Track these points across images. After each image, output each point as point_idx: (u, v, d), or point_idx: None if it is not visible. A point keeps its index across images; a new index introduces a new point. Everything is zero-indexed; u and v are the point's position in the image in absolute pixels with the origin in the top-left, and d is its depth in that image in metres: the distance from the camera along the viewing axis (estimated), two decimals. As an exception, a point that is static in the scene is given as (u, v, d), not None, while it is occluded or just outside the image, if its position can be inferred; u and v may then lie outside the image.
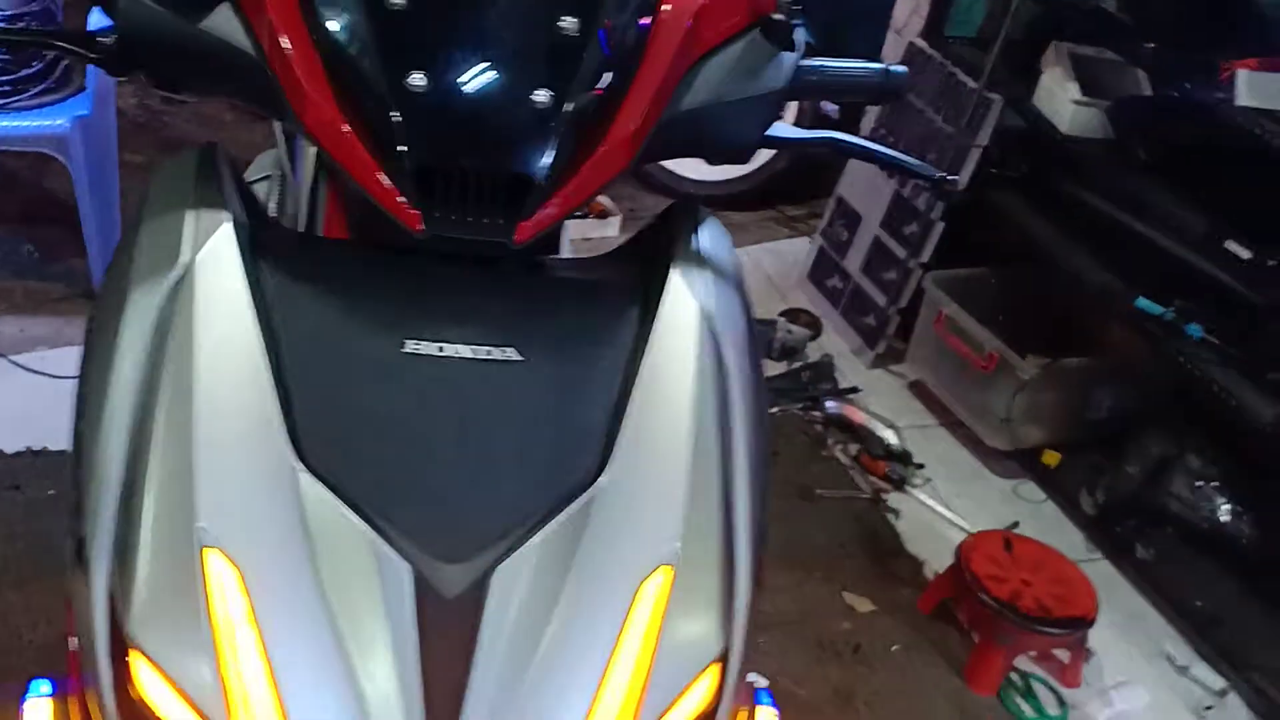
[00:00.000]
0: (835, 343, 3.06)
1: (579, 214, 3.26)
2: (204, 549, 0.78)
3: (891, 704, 2.09)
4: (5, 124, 2.37)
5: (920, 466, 2.66)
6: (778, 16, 1.00)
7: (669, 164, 3.52)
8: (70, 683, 0.89)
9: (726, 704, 0.92)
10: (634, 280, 0.98)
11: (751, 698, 1.06)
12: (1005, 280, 2.86)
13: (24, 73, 2.44)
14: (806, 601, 2.26)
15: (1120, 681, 2.20)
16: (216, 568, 0.78)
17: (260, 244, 0.91)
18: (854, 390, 2.87)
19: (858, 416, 2.74)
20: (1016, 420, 2.63)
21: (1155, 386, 2.59)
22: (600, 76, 0.92)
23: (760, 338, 2.90)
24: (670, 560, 0.86)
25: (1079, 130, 2.63)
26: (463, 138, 0.89)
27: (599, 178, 0.93)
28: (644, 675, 0.84)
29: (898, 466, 2.63)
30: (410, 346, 0.88)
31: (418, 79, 0.87)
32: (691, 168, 3.54)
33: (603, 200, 3.34)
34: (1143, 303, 2.43)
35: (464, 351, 0.89)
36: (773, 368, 2.88)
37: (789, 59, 1.03)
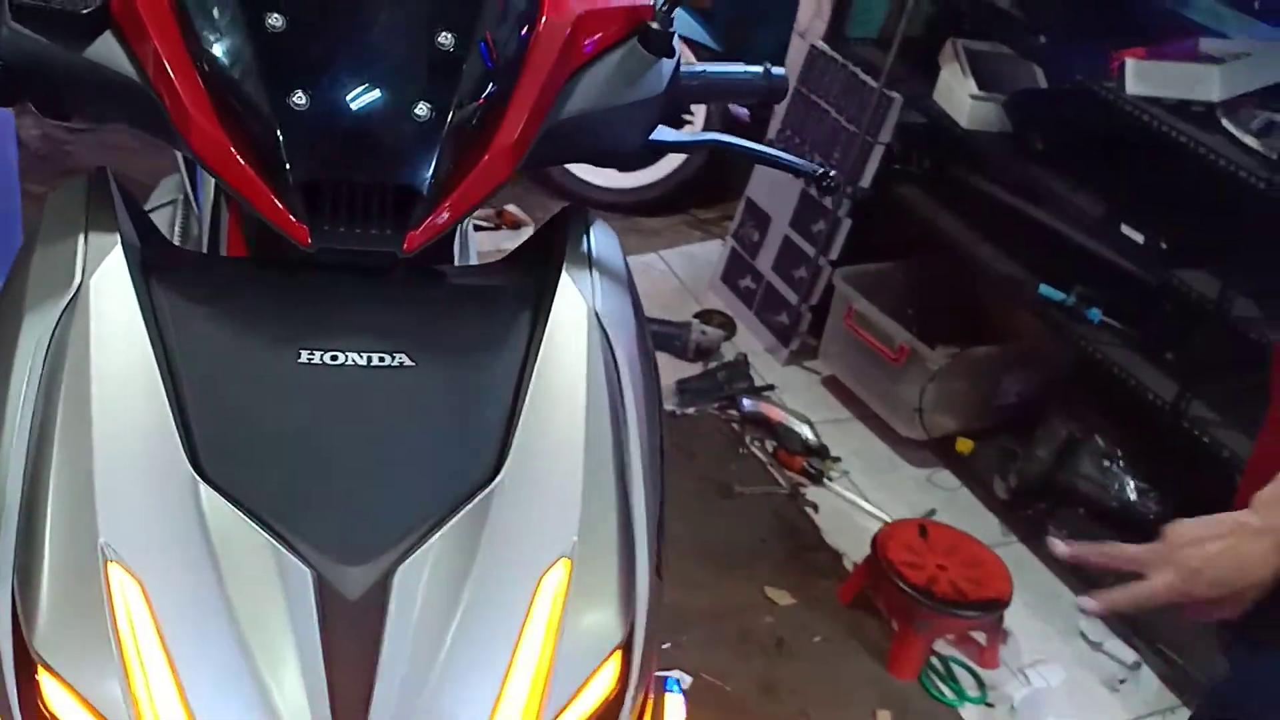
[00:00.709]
0: (750, 342, 3.08)
1: (491, 225, 3.25)
2: (107, 563, 0.78)
3: (815, 692, 2.10)
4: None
5: (837, 460, 2.69)
6: (655, 25, 1.03)
7: (579, 172, 3.52)
8: None
9: (632, 693, 0.91)
10: (526, 285, 1.00)
11: (661, 686, 1.06)
12: (913, 274, 2.90)
13: None
14: (728, 597, 2.27)
15: (1037, 660, 2.25)
16: (120, 582, 0.78)
17: (152, 265, 0.92)
18: (770, 388, 2.89)
19: (774, 414, 2.76)
20: (928, 410, 2.67)
21: (1061, 371, 2.65)
22: (480, 88, 0.94)
23: (669, 338, 2.92)
24: (568, 553, 0.87)
25: (977, 125, 2.68)
26: (346, 153, 0.91)
27: (484, 186, 0.95)
28: (547, 667, 0.84)
29: (814, 461, 2.65)
30: (305, 357, 0.89)
31: (299, 98, 0.89)
32: (601, 175, 3.55)
33: (514, 210, 3.33)
34: (1045, 289, 2.49)
35: (358, 360, 0.89)
36: (688, 369, 2.89)
37: (667, 65, 1.07)
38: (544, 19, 0.99)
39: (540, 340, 0.95)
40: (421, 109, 0.91)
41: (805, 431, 2.71)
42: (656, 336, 2.91)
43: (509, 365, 0.94)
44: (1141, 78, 2.29)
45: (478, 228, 3.22)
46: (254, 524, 0.81)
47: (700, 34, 3.38)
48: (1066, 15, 2.49)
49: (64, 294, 0.88)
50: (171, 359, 0.87)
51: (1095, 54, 2.41)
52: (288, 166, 0.89)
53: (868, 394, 2.84)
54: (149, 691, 0.76)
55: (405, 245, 0.92)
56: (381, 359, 0.90)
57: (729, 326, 3.04)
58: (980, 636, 2.23)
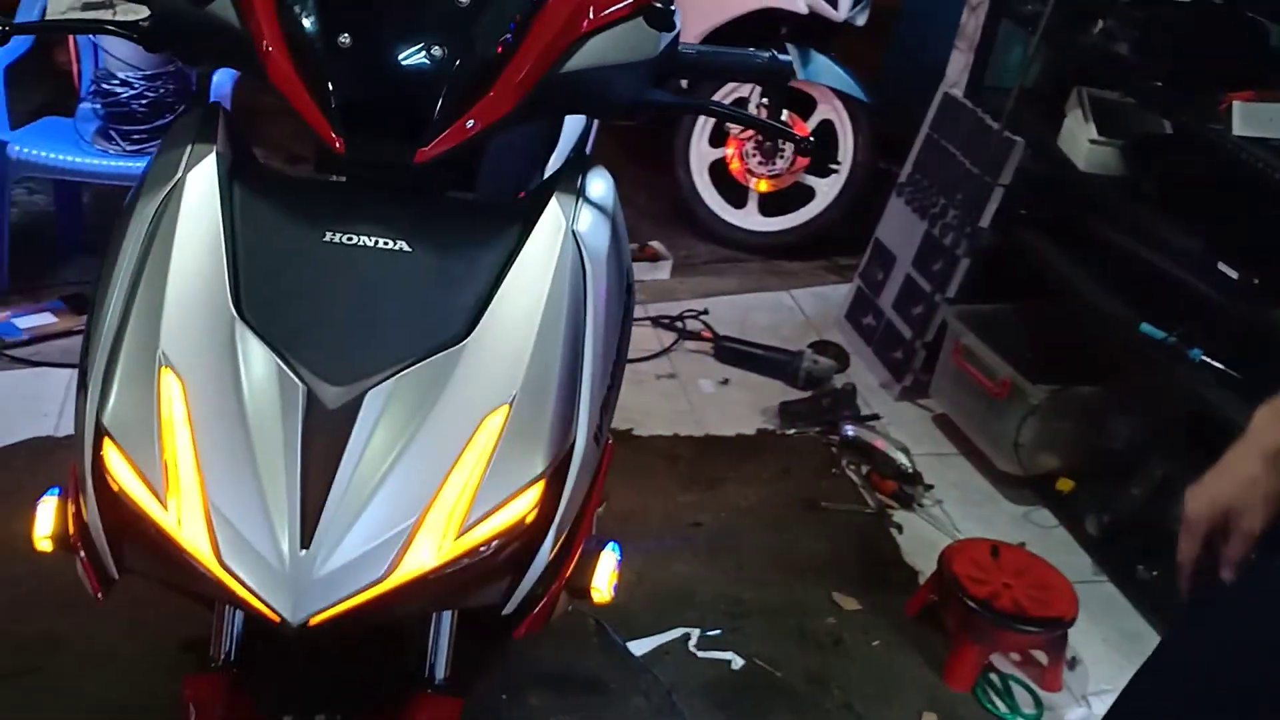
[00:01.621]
0: (865, 376, 3.16)
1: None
2: (161, 368, 1.05)
3: (864, 689, 2.15)
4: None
5: (930, 488, 2.73)
6: (658, 4, 1.23)
7: (722, 214, 3.71)
8: (70, 489, 1.14)
9: (555, 527, 1.10)
10: (525, 209, 1.22)
11: (600, 544, 1.22)
12: (1025, 314, 2.93)
13: (159, 122, 2.82)
14: (794, 595, 2.35)
15: (1103, 689, 2.21)
16: (168, 381, 1.05)
17: (237, 171, 1.19)
18: (875, 417, 2.96)
19: (873, 440, 2.83)
20: (1028, 446, 2.68)
21: (1163, 411, 2.62)
22: (488, 40, 1.19)
23: (780, 365, 3.04)
24: (508, 401, 1.07)
25: (1095, 168, 2.72)
26: (375, 82, 1.18)
27: (485, 119, 1.19)
28: (475, 485, 1.05)
29: (906, 487, 2.70)
30: (328, 237, 1.14)
31: (344, 39, 1.17)
32: (740, 217, 3.73)
33: (656, 246, 3.54)
34: (1145, 328, 2.49)
35: (367, 242, 1.14)
36: (796, 394, 3.00)
37: (665, 37, 1.26)
38: None
39: (523, 245, 1.17)
40: (436, 51, 1.17)
41: (901, 458, 2.76)
42: (768, 363, 3.07)
43: (492, 261, 1.16)
44: (1248, 119, 2.30)
45: (617, 255, 3.46)
46: (269, 350, 1.07)
47: (852, 87, 3.53)
48: (1182, 61, 2.52)
49: (169, 183, 1.16)
50: (235, 234, 1.14)
51: (1208, 98, 2.43)
52: (330, 90, 1.16)
53: (971, 428, 2.87)
54: (175, 461, 1.03)
55: (415, 158, 1.17)
56: (385, 243, 1.15)
57: (842, 359, 3.14)
58: (1042, 657, 2.22)
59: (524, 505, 1.07)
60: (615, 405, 1.27)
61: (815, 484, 2.72)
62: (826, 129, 3.62)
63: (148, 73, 2.76)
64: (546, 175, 1.63)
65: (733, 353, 3.11)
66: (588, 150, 2.12)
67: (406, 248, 1.14)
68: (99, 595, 1.11)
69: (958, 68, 3.31)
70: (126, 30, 1.25)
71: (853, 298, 3.37)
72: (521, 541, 1.09)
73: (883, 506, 2.67)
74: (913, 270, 3.12)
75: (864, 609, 2.35)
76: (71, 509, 1.13)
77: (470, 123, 1.18)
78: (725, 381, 3.05)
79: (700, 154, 3.69)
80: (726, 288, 3.51)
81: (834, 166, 3.65)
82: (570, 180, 1.25)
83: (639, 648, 2.18)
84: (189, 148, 1.18)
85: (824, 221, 3.68)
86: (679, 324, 3.22)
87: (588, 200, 1.24)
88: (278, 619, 1.00)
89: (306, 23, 1.17)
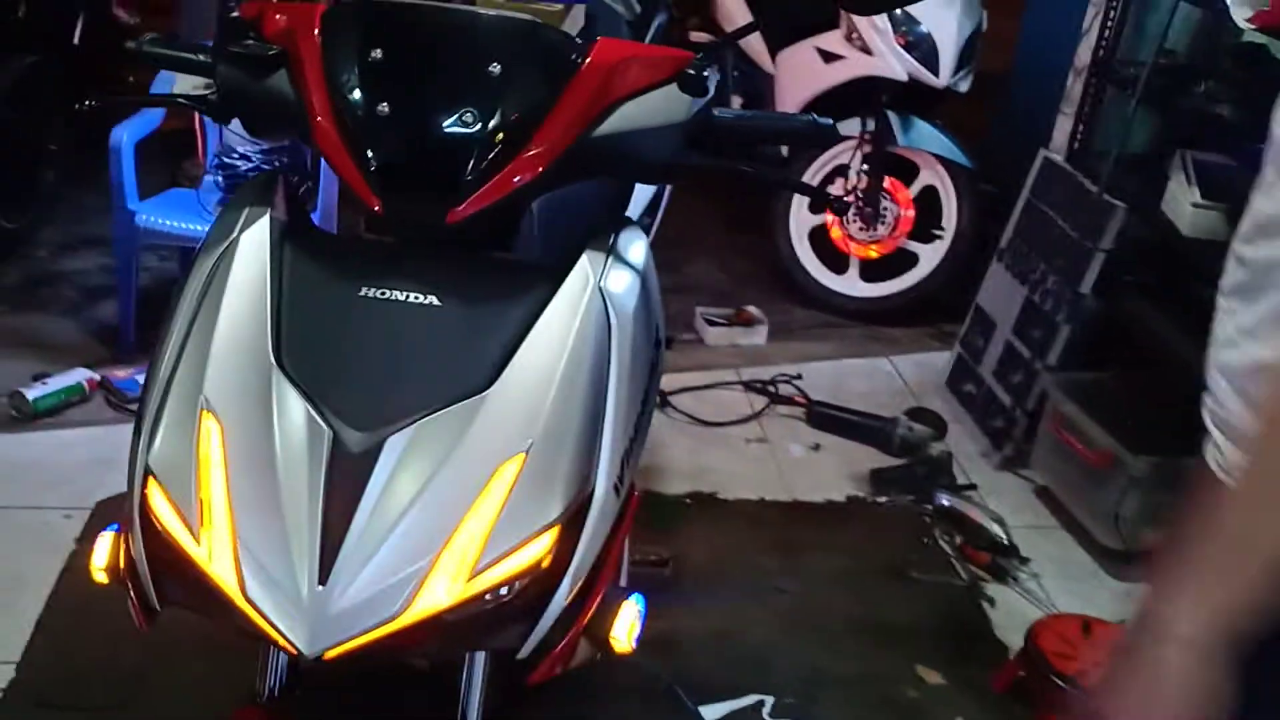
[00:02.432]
0: (965, 445, 3.09)
1: (724, 321, 3.49)
2: (202, 411, 1.12)
3: (942, 767, 2.08)
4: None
5: (1026, 561, 2.64)
6: (691, 71, 1.27)
7: (822, 279, 3.70)
8: (124, 526, 1.21)
9: (571, 574, 1.12)
10: (559, 268, 1.26)
11: (624, 595, 1.24)
12: (1128, 382, 2.83)
13: None
14: (875, 666, 2.29)
15: (1202, 779, 2.08)
16: (208, 424, 1.12)
17: (289, 233, 1.27)
18: (971, 487, 2.89)
19: (968, 511, 2.75)
20: (1129, 519, 2.57)
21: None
22: (518, 107, 1.25)
23: (873, 431, 3.00)
24: (525, 450, 1.10)
25: (1199, 233, 2.64)
26: (411, 147, 1.26)
27: (512, 181, 1.25)
28: (487, 530, 1.08)
29: (1001, 559, 2.62)
30: (363, 292, 1.21)
31: (383, 107, 1.24)
32: (843, 283, 3.71)
33: (752, 311, 3.55)
34: (1253, 397, 2.37)
35: (399, 297, 1.20)
36: (890, 461, 2.95)
37: (698, 102, 1.31)
38: (588, 60, 1.27)
39: (550, 301, 1.21)
40: (468, 117, 1.24)
41: (996, 529, 2.68)
42: (862, 429, 3.03)
43: (520, 316, 1.21)
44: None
45: (712, 322, 3.48)
46: (301, 397, 1.14)
47: (954, 152, 3.51)
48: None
49: (224, 243, 1.25)
50: (281, 290, 1.21)
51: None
52: (370, 155, 1.23)
53: (1071, 500, 2.77)
54: (210, 499, 1.09)
55: (448, 218, 1.23)
56: (417, 298, 1.20)
57: (939, 426, 3.07)
58: (1134, 742, 2.10)
59: (538, 550, 1.09)
60: (639, 456, 1.29)
61: (905, 553, 2.66)
62: (930, 195, 3.60)
63: (264, 147, 2.94)
64: None
65: (825, 418, 3.08)
66: (659, 215, 2.16)
67: (437, 302, 1.20)
68: (143, 626, 1.17)
69: (1063, 133, 3.26)
70: (196, 103, 1.35)
71: (954, 365, 3.31)
72: (537, 586, 1.11)
73: (975, 579, 2.59)
74: (1013, 337, 3.06)
75: (948, 683, 2.27)
76: (123, 544, 1.20)
77: (501, 185, 1.23)
78: (816, 447, 3.02)
79: (800, 221, 3.70)
80: (823, 353, 3.49)
81: (937, 232, 3.61)
82: (602, 239, 1.29)
83: (710, 712, 2.15)
84: (246, 211, 1.26)
85: (927, 287, 3.63)
86: (771, 388, 3.21)
87: (619, 257, 1.28)
88: (295, 651, 1.04)
89: (351, 94, 1.25)
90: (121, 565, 1.21)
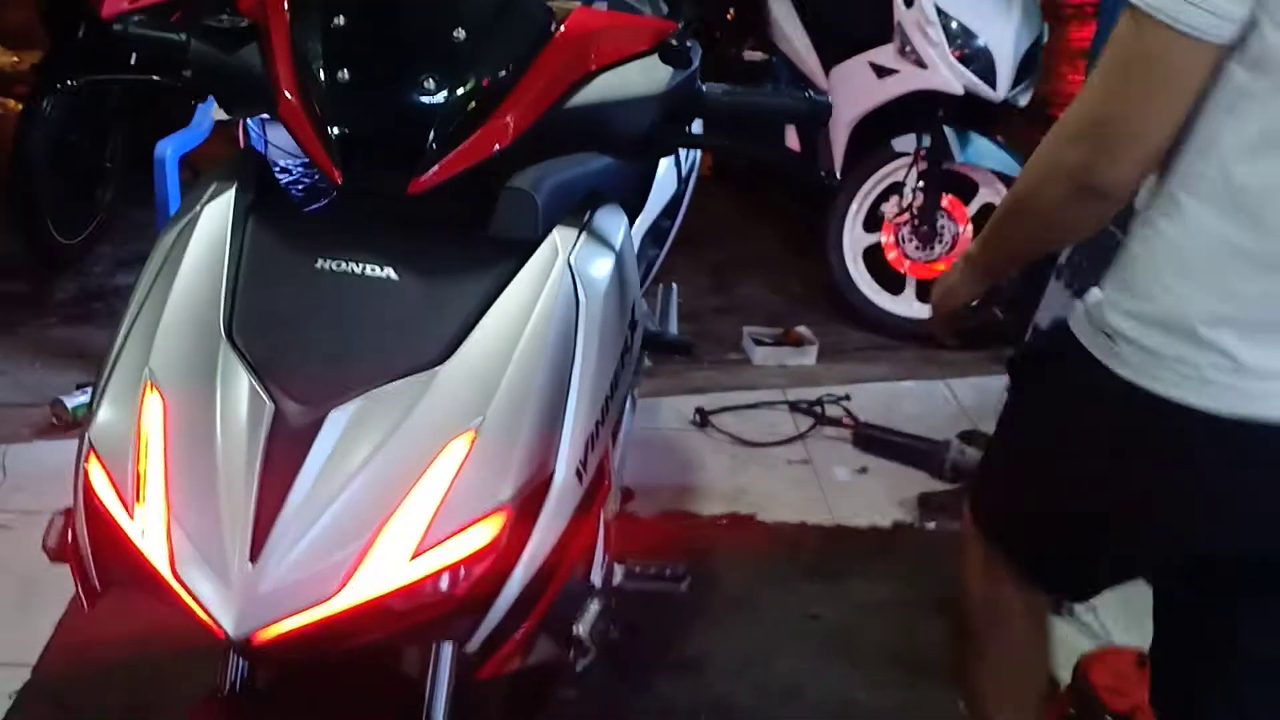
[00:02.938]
0: (1021, 471, 2.93)
1: (771, 341, 3.39)
2: (147, 384, 1.07)
3: (980, 807, 1.93)
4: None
5: (1083, 592, 2.47)
6: (673, 42, 1.21)
7: (877, 300, 3.59)
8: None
9: (525, 563, 1.04)
10: (528, 244, 1.20)
11: (589, 591, 1.15)
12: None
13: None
14: (914, 700, 2.16)
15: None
16: (151, 397, 1.07)
17: (254, 206, 1.22)
18: (1027, 514, 2.73)
19: (1023, 538, 2.60)
20: (1195, 549, 2.40)
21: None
22: (484, 75, 1.19)
23: (925, 455, 2.87)
24: (475, 427, 1.04)
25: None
26: (372, 115, 1.20)
27: (477, 152, 1.19)
28: (432, 512, 1.01)
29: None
30: (320, 264, 1.15)
31: (344, 74, 1.19)
32: (899, 304, 3.59)
33: (803, 331, 3.45)
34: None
35: (355, 269, 1.15)
36: (940, 486, 2.81)
37: (677, 73, 1.24)
38: (563, 29, 1.22)
39: (515, 276, 1.14)
40: (430, 84, 1.17)
41: (1051, 558, 2.53)
42: (911, 451, 2.90)
43: (482, 290, 1.14)
44: None
45: (760, 342, 3.38)
46: (248, 370, 1.07)
47: (1014, 169, 3.38)
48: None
49: (187, 215, 1.20)
50: (239, 262, 1.16)
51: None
52: (331, 124, 1.18)
53: (1132, 529, 2.60)
54: (146, 473, 1.04)
55: (410, 189, 1.17)
56: (373, 270, 1.14)
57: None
58: (1192, 786, 1.94)
59: (486, 533, 1.01)
60: (608, 441, 1.21)
61: (952, 583, 2.51)
62: (989, 213, 3.45)
63: (305, 160, 2.93)
64: (633, 227, 1.60)
65: (873, 439, 2.95)
66: (684, 201, 2.09)
67: (394, 275, 1.14)
68: (87, 607, 1.12)
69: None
70: (173, 82, 1.32)
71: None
72: (487, 574, 1.03)
73: (1027, 610, 2.43)
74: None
75: None
76: (69, 523, 1.15)
77: (464, 156, 1.17)
78: (863, 470, 2.90)
79: (854, 239, 3.59)
80: (875, 374, 3.36)
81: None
82: (576, 215, 1.23)
83: (738, 743, 2.04)
84: (212, 186, 1.22)
85: (983, 314, 3.48)
86: (818, 408, 3.10)
87: (593, 234, 1.22)
88: (222, 634, 0.97)
89: (314, 63, 1.20)
90: (68, 544, 1.16)
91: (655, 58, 1.22)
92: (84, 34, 3.63)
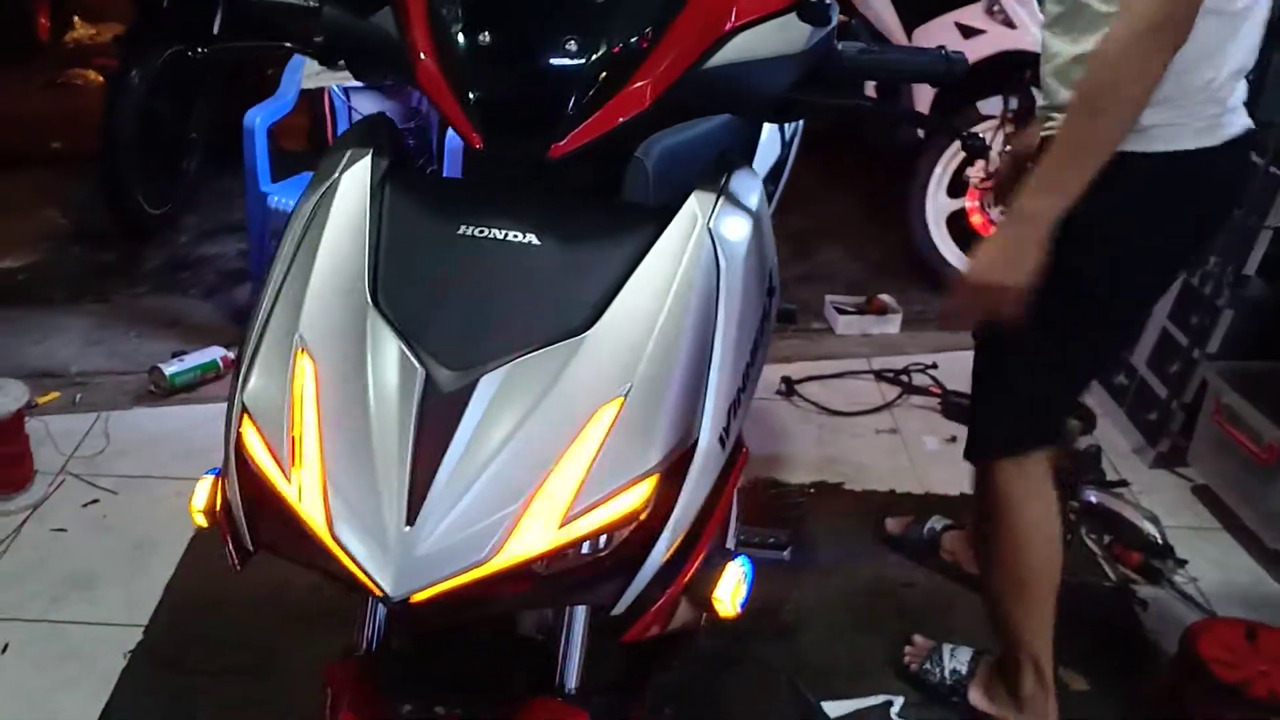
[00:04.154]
0: (1116, 440, 2.89)
1: (854, 310, 3.36)
2: (297, 350, 1.09)
3: (1086, 777, 1.92)
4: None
5: (1183, 563, 2.44)
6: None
7: (961, 267, 3.52)
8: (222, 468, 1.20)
9: (670, 529, 1.04)
10: (665, 209, 1.19)
11: (729, 555, 1.15)
12: (1303, 373, 2.60)
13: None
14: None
15: (1381, 801, 1.87)
16: (303, 362, 1.09)
17: (389, 174, 1.23)
18: (1122, 484, 2.70)
19: (1118, 508, 2.57)
20: (1301, 519, 2.35)
21: None
22: (625, 36, 1.17)
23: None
24: (622, 395, 1.04)
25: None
26: (514, 79, 1.20)
27: (617, 115, 1.17)
28: (582, 477, 1.01)
29: (1155, 560, 2.43)
30: (462, 230, 1.16)
31: (484, 37, 1.18)
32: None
33: (885, 299, 3.41)
34: None
35: (497, 235, 1.15)
36: (1034, 455, 2.77)
37: (817, 32, 1.21)
38: None
39: (656, 242, 1.14)
40: (572, 47, 1.16)
41: (1150, 528, 2.49)
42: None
43: (623, 256, 1.13)
44: None
45: (842, 310, 3.35)
46: (396, 336, 1.09)
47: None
48: None
49: (326, 184, 1.21)
50: (381, 229, 1.17)
51: None
52: (471, 89, 1.17)
53: (1234, 499, 2.56)
54: (301, 437, 1.05)
55: (551, 153, 1.16)
56: (515, 236, 1.14)
57: (1088, 419, 2.88)
58: (1305, 758, 1.91)
59: (634, 499, 1.02)
60: (748, 409, 1.20)
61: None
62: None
63: (405, 126, 2.95)
64: None
65: (962, 409, 2.91)
66: (787, 167, 2.06)
67: (535, 241, 1.14)
68: (238, 568, 1.14)
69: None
70: (304, 46, 1.32)
71: (1102, 356, 3.11)
72: (634, 539, 1.03)
73: (1125, 580, 2.41)
74: (1168, 323, 2.85)
75: (1093, 690, 2.11)
76: (220, 486, 1.17)
77: (605, 118, 1.16)
78: (952, 439, 2.87)
79: (938, 206, 3.54)
80: (961, 343, 3.28)
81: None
82: (713, 179, 1.21)
83: (834, 709, 2.04)
84: (348, 152, 1.23)
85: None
86: (904, 378, 3.07)
87: (730, 198, 1.20)
88: (380, 593, 0.99)
89: (453, 26, 1.19)
90: (218, 508, 1.18)
91: (793, 15, 1.19)
92: (169, 3, 3.68)
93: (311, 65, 2.73)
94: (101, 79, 5.28)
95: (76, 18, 6.05)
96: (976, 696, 2.01)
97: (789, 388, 3.00)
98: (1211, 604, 2.35)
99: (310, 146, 3.82)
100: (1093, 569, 2.44)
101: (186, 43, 3.64)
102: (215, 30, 3.71)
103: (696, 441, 1.07)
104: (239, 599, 2.16)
